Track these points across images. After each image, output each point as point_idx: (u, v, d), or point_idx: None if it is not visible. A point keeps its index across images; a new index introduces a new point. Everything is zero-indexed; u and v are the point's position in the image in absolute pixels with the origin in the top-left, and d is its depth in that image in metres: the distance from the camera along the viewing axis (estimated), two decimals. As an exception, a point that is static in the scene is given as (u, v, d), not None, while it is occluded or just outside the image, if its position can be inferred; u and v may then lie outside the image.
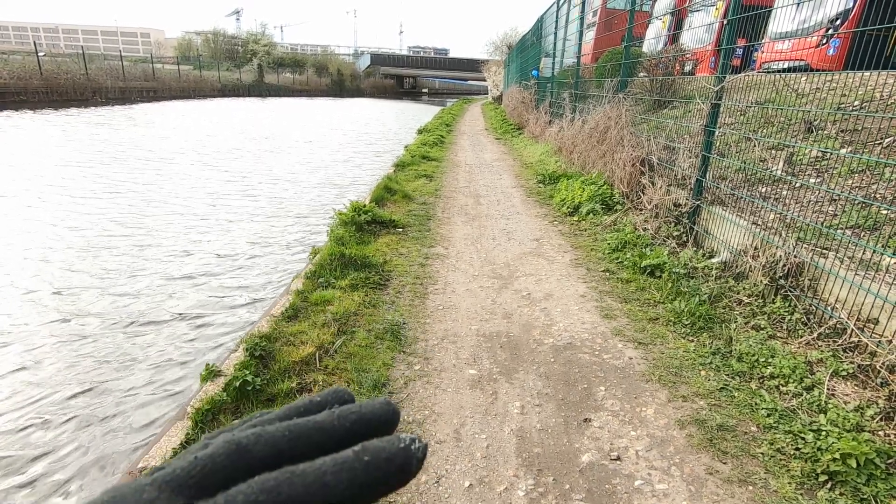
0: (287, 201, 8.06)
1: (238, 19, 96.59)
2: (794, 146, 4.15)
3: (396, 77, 66.40)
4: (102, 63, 32.23)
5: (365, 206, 5.36)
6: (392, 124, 23.88)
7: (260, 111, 27.85)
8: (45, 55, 29.34)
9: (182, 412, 2.34)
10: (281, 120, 23.17)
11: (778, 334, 2.88)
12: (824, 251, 3.11)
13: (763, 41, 5.57)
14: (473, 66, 52.21)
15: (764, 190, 4.09)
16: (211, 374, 2.54)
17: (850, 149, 3.92)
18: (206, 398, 2.30)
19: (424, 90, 76.23)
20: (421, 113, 30.58)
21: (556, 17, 11.15)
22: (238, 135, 16.57)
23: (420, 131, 15.79)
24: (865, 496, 1.82)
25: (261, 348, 2.72)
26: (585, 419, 2.34)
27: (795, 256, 3.07)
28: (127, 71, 32.55)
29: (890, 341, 2.42)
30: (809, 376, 2.46)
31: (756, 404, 2.37)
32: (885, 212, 3.18)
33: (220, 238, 6.10)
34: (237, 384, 2.36)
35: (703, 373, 2.67)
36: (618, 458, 2.09)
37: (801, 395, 2.37)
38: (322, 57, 66.29)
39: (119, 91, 29.61)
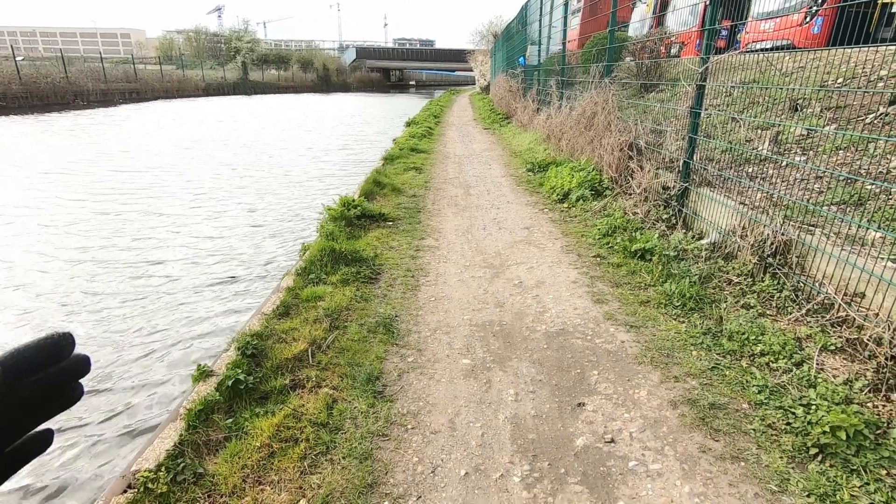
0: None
1: (220, 16, 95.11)
2: (779, 125, 4.16)
3: (383, 70, 65.82)
4: (83, 65, 31.63)
5: (354, 200, 5.33)
6: (380, 118, 23.69)
7: (247, 111, 27.51)
8: (23, 59, 28.81)
9: (175, 413, 2.32)
10: (269, 120, 22.92)
11: (767, 312, 2.91)
12: (811, 228, 3.13)
13: (747, 21, 5.57)
14: (460, 56, 51.81)
15: (751, 170, 4.11)
16: (203, 374, 2.52)
17: (834, 126, 3.94)
18: (198, 398, 2.29)
19: (412, 83, 75.71)
20: (408, 105, 30.38)
21: (541, 3, 11.07)
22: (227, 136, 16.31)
23: (408, 123, 15.70)
24: (855, 467, 1.84)
25: (252, 346, 2.70)
26: (579, 403, 2.35)
27: (783, 234, 3.09)
28: (108, 73, 31.99)
29: (877, 314, 2.44)
30: (799, 352, 2.49)
31: (747, 382, 2.39)
32: (869, 187, 3.21)
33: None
34: (229, 383, 2.35)
35: (694, 353, 2.69)
36: (612, 441, 2.10)
37: (791, 371, 2.39)
38: (307, 52, 65.43)
39: (101, 93, 29.13)
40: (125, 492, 1.87)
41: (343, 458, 2.02)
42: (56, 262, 5.26)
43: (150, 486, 1.85)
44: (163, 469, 1.93)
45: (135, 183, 9.03)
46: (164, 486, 1.85)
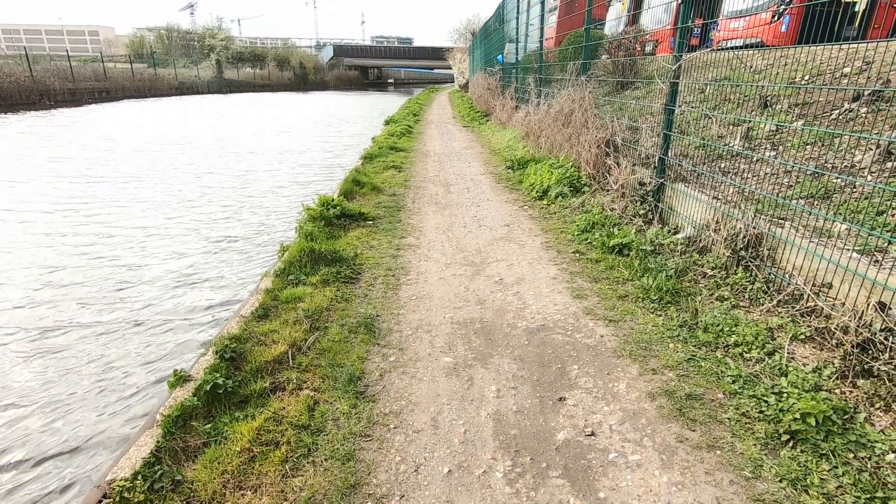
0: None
1: (192, 13, 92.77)
2: (750, 121, 4.27)
3: (361, 68, 65.34)
4: (49, 64, 30.64)
5: (333, 199, 5.28)
6: (359, 116, 23.50)
7: (223, 110, 26.99)
8: (-16, 57, 27.76)
9: (152, 420, 2.27)
10: (245, 120, 22.53)
11: (741, 304, 2.98)
12: (781, 221, 3.22)
13: (719, 19, 5.69)
14: (438, 54, 51.73)
15: (723, 165, 4.20)
16: (180, 379, 2.47)
17: (802, 122, 4.06)
18: (175, 404, 2.24)
19: (390, 81, 75.34)
20: (387, 104, 30.22)
21: (518, 1, 11.13)
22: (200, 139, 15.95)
23: (387, 122, 15.62)
24: (824, 451, 1.91)
25: (231, 350, 2.66)
26: (560, 398, 2.38)
27: (754, 228, 3.17)
28: (76, 71, 31.03)
29: (843, 304, 2.53)
30: (771, 342, 2.56)
31: (722, 372, 2.45)
32: (835, 180, 3.32)
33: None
34: (208, 388, 2.31)
35: (671, 345, 2.74)
36: (592, 434, 2.13)
37: (764, 361, 2.46)
38: (283, 50, 64.46)
39: (68, 93, 28.28)
40: (100, 502, 1.82)
41: (325, 459, 2.00)
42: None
43: (126, 495, 1.80)
44: (139, 477, 1.88)
45: (99, 192, 8.78)
46: (140, 494, 1.81)
